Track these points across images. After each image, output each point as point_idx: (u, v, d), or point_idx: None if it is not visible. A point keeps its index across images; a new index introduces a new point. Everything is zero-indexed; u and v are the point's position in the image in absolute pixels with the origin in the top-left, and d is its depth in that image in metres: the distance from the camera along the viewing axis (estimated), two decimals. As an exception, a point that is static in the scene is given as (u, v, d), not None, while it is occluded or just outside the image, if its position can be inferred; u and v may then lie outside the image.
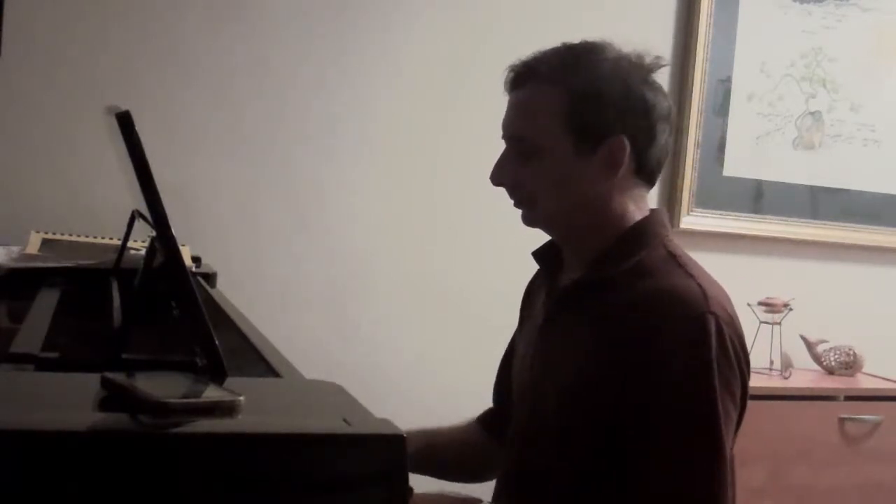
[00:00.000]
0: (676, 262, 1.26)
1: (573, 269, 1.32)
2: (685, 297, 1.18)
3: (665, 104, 1.28)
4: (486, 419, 1.56)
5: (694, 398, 1.15)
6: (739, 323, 1.23)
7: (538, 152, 1.26)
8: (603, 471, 1.20)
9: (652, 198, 1.36)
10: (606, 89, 1.24)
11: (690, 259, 1.28)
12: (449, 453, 1.55)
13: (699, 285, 1.20)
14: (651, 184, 1.32)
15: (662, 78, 1.32)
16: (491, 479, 1.49)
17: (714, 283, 1.25)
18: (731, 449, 1.18)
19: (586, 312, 1.26)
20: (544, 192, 1.28)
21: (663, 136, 1.28)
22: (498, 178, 1.31)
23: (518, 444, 1.36)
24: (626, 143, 1.25)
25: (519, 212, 1.33)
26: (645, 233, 1.29)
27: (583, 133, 1.24)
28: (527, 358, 1.37)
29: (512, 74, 1.30)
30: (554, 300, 1.33)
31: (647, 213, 1.31)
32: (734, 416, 1.18)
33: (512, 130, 1.30)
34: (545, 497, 1.28)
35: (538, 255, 1.41)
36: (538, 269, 1.47)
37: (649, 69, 1.28)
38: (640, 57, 1.28)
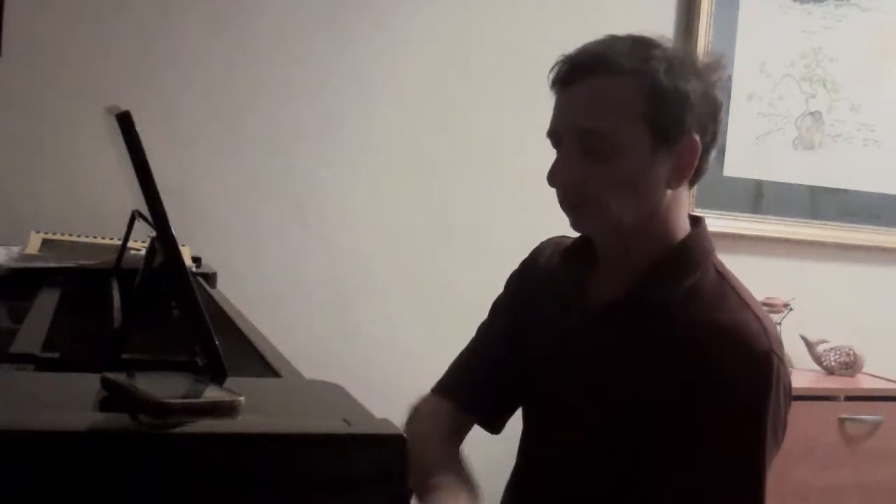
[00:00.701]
0: (730, 286, 1.22)
1: (614, 279, 1.25)
2: (749, 334, 1.14)
3: (723, 104, 1.23)
4: (456, 398, 1.39)
5: (748, 439, 1.13)
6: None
7: (613, 149, 1.16)
8: (643, 495, 1.17)
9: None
10: (688, 86, 1.17)
11: (738, 281, 1.24)
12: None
13: (758, 319, 1.17)
14: (692, 187, 1.27)
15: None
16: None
17: (763, 310, 1.21)
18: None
19: (639, 335, 1.20)
20: (616, 193, 1.18)
21: (719, 139, 1.23)
22: (564, 177, 1.19)
23: (555, 454, 1.31)
24: (699, 143, 1.18)
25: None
26: (697, 251, 1.23)
27: (662, 130, 1.16)
28: (553, 368, 1.30)
29: (573, 66, 1.19)
30: (595, 313, 1.26)
31: (688, 223, 1.25)
32: (774, 456, 1.17)
33: (583, 123, 1.18)
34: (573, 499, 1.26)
35: (567, 252, 1.34)
36: (549, 252, 1.41)
37: (714, 69, 1.21)
38: (698, 56, 1.21)
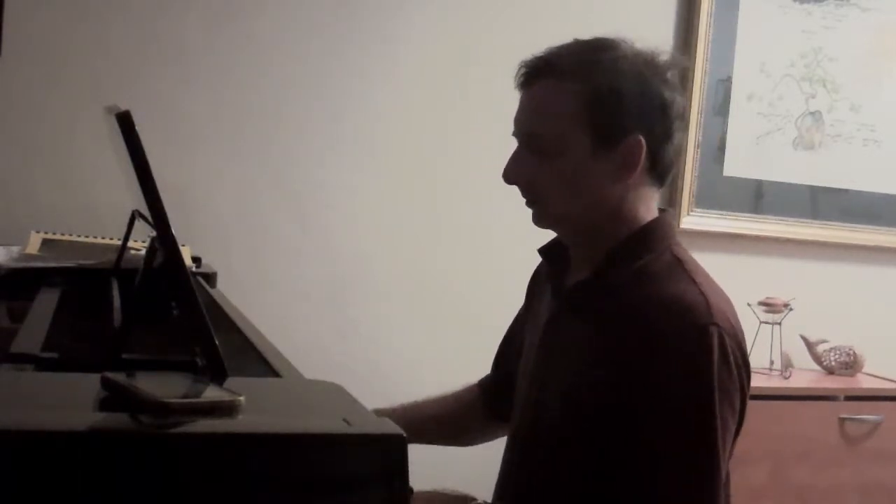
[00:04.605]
0: (682, 267, 1.24)
1: (580, 269, 1.31)
2: (688, 307, 1.17)
3: (680, 102, 1.26)
4: (485, 383, 1.57)
5: (693, 409, 1.15)
6: (742, 332, 1.22)
7: (553, 150, 1.23)
8: (600, 476, 1.19)
9: (651, 197, 1.35)
10: (625, 87, 1.21)
11: (696, 265, 1.27)
12: (436, 415, 1.57)
13: (703, 294, 1.19)
14: (662, 183, 1.30)
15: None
16: (479, 443, 1.55)
17: (718, 291, 1.23)
18: (729, 458, 1.18)
19: (590, 315, 1.25)
20: (558, 191, 1.25)
21: (678, 135, 1.26)
22: (510, 176, 1.28)
23: (519, 445, 1.36)
24: (644, 142, 1.22)
25: (521, 212, 1.32)
26: (652, 236, 1.27)
27: (600, 132, 1.22)
28: (530, 357, 1.37)
29: (526, 70, 1.27)
30: (559, 300, 1.32)
31: (655, 214, 1.30)
32: (732, 427, 1.18)
33: (527, 127, 1.27)
34: (545, 499, 1.28)
35: (545, 251, 1.39)
36: (540, 263, 1.46)
37: (666, 67, 1.26)
38: (655, 55, 1.25)
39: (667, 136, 1.25)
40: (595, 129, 1.21)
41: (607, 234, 1.27)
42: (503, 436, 1.45)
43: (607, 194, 1.25)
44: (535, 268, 1.51)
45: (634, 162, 1.23)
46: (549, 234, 1.48)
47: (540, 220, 1.30)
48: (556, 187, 1.25)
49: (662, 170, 1.27)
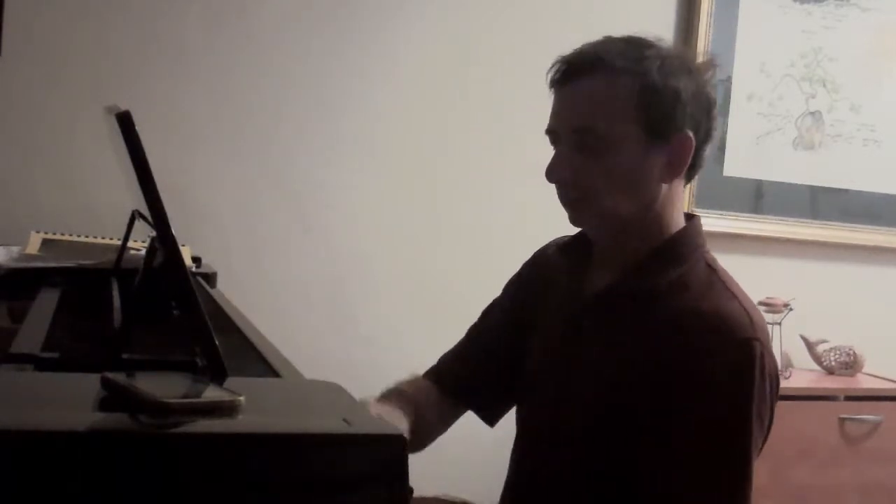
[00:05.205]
0: (719, 279, 1.24)
1: (606, 271, 1.28)
2: (732, 321, 1.17)
3: (716, 102, 1.27)
4: (443, 367, 1.47)
5: (730, 421, 1.15)
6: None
7: (607, 146, 1.20)
8: (631, 481, 1.18)
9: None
10: (680, 84, 1.21)
11: (729, 275, 1.27)
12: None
13: (744, 308, 1.19)
14: (688, 182, 1.30)
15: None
16: (429, 443, 1.40)
17: (753, 304, 1.23)
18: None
19: (626, 322, 1.23)
20: (610, 188, 1.22)
21: (716, 134, 1.27)
22: (558, 174, 1.24)
23: (542, 447, 1.33)
24: (693, 139, 1.22)
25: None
26: (687, 244, 1.26)
27: (654, 127, 1.20)
28: (547, 359, 1.34)
29: (569, 65, 1.23)
30: (586, 303, 1.29)
31: (682, 219, 1.29)
32: (760, 441, 1.19)
33: (578, 121, 1.22)
34: (571, 501, 1.27)
35: (565, 248, 1.37)
36: (550, 252, 1.43)
37: (707, 67, 1.26)
38: (693, 55, 1.27)
39: (709, 135, 1.25)
40: (650, 124, 1.20)
41: (643, 236, 1.25)
42: (456, 421, 1.42)
43: (655, 193, 1.23)
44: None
45: (684, 159, 1.22)
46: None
47: (583, 218, 1.27)
48: (607, 184, 1.21)
49: (696, 170, 1.27)
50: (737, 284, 1.25)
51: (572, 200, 1.25)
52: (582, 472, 1.25)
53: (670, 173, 1.23)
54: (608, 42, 1.24)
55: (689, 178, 1.28)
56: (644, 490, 1.17)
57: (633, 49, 1.22)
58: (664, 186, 1.24)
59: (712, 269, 1.26)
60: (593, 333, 1.27)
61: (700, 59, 1.27)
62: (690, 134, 1.22)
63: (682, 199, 1.29)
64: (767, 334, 1.19)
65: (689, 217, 1.31)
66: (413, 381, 1.45)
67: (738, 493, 1.14)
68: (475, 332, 1.50)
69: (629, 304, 1.23)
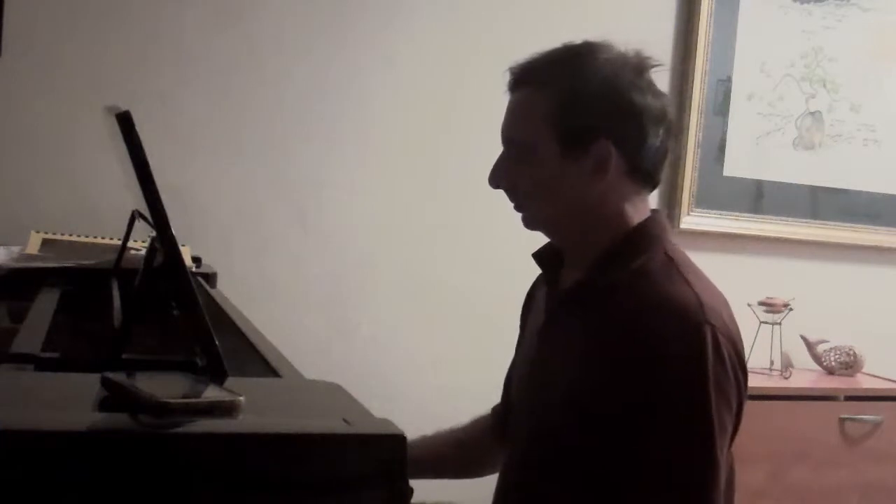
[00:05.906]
0: (675, 267, 1.24)
1: (575, 271, 1.31)
2: (681, 307, 1.18)
3: (657, 105, 1.25)
4: (496, 408, 1.56)
5: (689, 409, 1.15)
6: (738, 330, 1.22)
7: (528, 154, 1.26)
8: (601, 478, 1.19)
9: (652, 198, 1.35)
10: (589, 92, 1.23)
11: (689, 263, 1.27)
12: (447, 446, 1.55)
13: (695, 293, 1.19)
14: (652, 185, 1.30)
15: (662, 78, 1.31)
16: (488, 471, 1.50)
17: (711, 289, 1.24)
18: (726, 457, 1.18)
19: (587, 317, 1.25)
20: (535, 194, 1.28)
21: (656, 139, 1.25)
22: (493, 180, 1.31)
23: (519, 449, 1.35)
24: (612, 147, 1.23)
25: (519, 213, 1.32)
26: (646, 236, 1.28)
27: (569, 136, 1.23)
28: (527, 362, 1.36)
29: (509, 76, 1.29)
30: (555, 302, 1.33)
31: (646, 215, 1.30)
32: (729, 426, 1.18)
33: (505, 132, 1.30)
34: (548, 501, 1.28)
35: (538, 256, 1.40)
36: (539, 274, 1.46)
37: (638, 70, 1.25)
38: (632, 59, 1.26)
39: (641, 140, 1.25)
40: (563, 133, 1.23)
41: (595, 235, 1.28)
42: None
43: (585, 197, 1.26)
44: (534, 269, 1.51)
45: (603, 166, 1.24)
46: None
47: (527, 223, 1.32)
48: (532, 190, 1.28)
49: (645, 172, 1.27)
50: (696, 272, 1.26)
51: (515, 206, 1.31)
52: (559, 473, 1.26)
53: (597, 179, 1.25)
54: (549, 52, 1.28)
55: (647, 181, 1.29)
56: (613, 486, 1.18)
57: (563, 59, 1.26)
58: (599, 189, 1.25)
59: (670, 258, 1.26)
60: (563, 331, 1.30)
61: (640, 62, 1.25)
62: (608, 141, 1.23)
63: (639, 199, 1.29)
64: (722, 317, 1.19)
65: (652, 212, 1.32)
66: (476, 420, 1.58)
67: (703, 476, 1.15)
68: (509, 368, 1.54)
69: (594, 299, 1.26)
